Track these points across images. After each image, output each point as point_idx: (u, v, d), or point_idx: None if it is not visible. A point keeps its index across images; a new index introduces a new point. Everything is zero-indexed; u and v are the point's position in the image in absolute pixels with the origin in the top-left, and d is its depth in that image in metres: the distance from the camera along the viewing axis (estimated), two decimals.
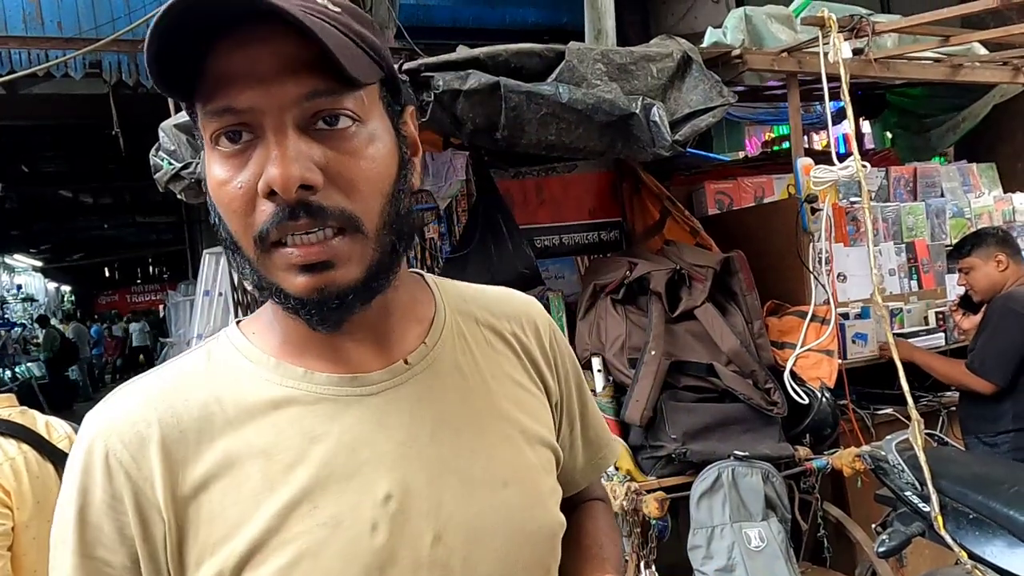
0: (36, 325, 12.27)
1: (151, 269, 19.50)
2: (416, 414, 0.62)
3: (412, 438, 0.61)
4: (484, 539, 0.61)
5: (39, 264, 16.38)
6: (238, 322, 0.67)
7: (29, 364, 10.40)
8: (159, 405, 0.60)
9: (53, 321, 13.16)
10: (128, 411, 0.60)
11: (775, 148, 5.67)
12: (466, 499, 0.62)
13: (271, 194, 0.54)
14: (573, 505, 0.81)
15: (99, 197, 13.25)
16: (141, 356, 14.22)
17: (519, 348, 0.72)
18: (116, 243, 15.68)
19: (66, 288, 20.08)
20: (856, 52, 2.31)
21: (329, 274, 0.56)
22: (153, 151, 2.11)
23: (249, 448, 0.59)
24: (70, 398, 10.01)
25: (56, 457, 1.49)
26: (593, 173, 2.85)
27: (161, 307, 15.18)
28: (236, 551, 0.56)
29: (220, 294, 5.22)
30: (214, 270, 5.32)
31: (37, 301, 15.33)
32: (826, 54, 2.15)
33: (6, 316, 10.77)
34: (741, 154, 5.81)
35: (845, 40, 2.11)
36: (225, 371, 0.62)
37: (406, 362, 0.64)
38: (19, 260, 15.21)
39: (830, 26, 2.12)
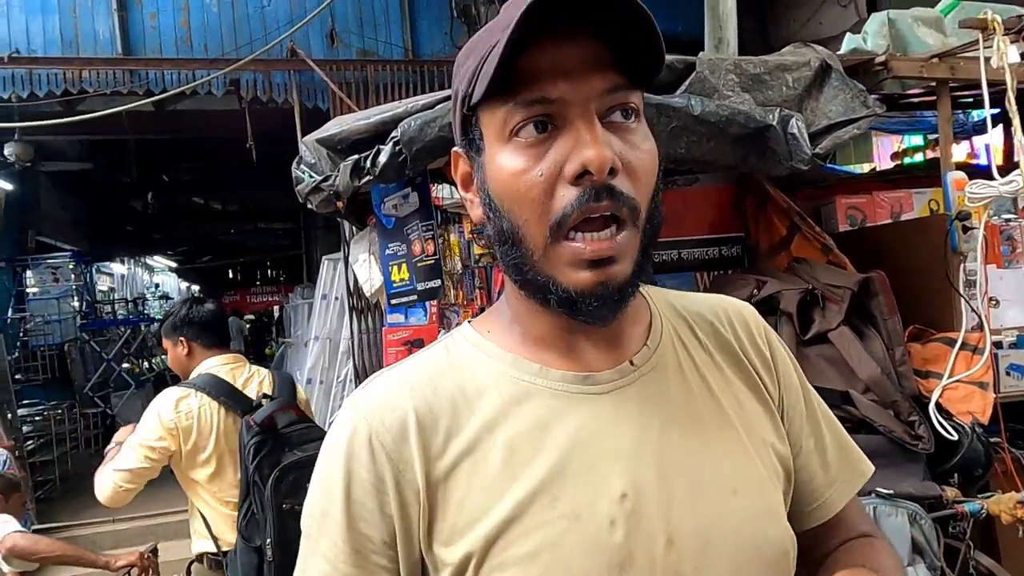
0: None
1: (269, 272, 20.81)
2: (644, 415, 0.63)
3: (641, 438, 0.62)
4: (714, 548, 0.60)
5: (174, 265, 17.90)
6: (469, 321, 0.71)
7: (164, 356, 11.34)
8: (414, 394, 0.64)
9: None
10: (388, 398, 0.64)
11: (903, 161, 5.28)
12: (696, 504, 0.61)
13: (580, 176, 0.57)
14: (839, 539, 0.73)
15: (227, 204, 14.34)
16: (267, 349, 15.19)
17: (735, 351, 0.71)
18: (239, 247, 16.87)
19: (195, 287, 21.79)
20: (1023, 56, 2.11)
21: (610, 269, 0.59)
22: (295, 164, 2.25)
23: (491, 438, 0.62)
24: None
25: (238, 402, 2.20)
26: (715, 187, 2.76)
27: (276, 307, 16.11)
28: (482, 535, 0.59)
29: (336, 298, 5.49)
30: (331, 275, 5.60)
31: (172, 299, 16.74)
32: (987, 59, 1.98)
33: (146, 312, 11.83)
34: (867, 167, 5.46)
35: (1012, 43, 1.92)
36: (464, 365, 0.66)
37: (632, 363, 0.65)
38: (158, 261, 16.68)
39: (993, 28, 1.94)
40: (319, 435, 2.15)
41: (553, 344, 0.65)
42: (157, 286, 16.90)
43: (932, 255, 2.30)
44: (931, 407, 2.05)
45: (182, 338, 2.34)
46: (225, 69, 4.89)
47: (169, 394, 2.23)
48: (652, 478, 0.60)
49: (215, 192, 13.22)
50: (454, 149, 0.68)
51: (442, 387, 0.64)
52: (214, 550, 2.21)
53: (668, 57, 2.04)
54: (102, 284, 11.86)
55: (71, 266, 8.60)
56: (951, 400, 2.11)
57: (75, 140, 7.71)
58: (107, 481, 2.10)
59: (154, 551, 2.61)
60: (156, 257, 16.33)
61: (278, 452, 2.04)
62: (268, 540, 1.96)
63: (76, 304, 8.66)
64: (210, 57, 5.13)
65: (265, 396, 2.22)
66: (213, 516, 2.22)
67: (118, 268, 13.27)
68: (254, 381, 2.31)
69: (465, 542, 0.59)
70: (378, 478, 0.61)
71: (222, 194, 13.50)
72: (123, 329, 9.72)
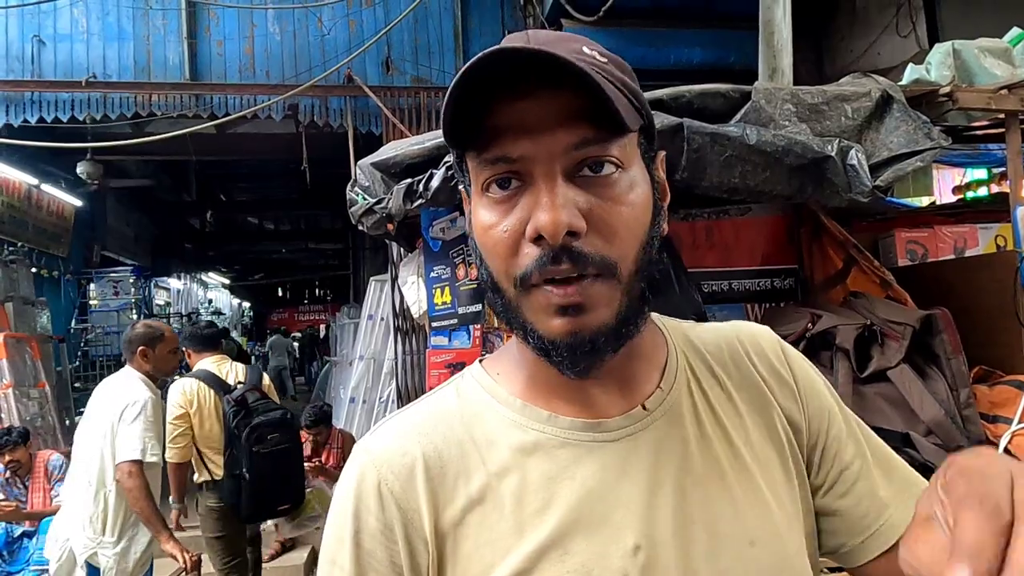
0: None
1: (316, 291, 21.27)
2: (658, 462, 0.60)
3: (656, 487, 0.59)
4: None
5: (227, 282, 18.47)
6: (480, 360, 0.69)
7: None
8: (423, 440, 0.62)
9: (233, 334, 14.68)
10: (397, 443, 0.63)
11: (966, 195, 5.09)
12: (713, 556, 0.58)
13: (538, 239, 0.55)
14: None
15: (279, 224, 14.77)
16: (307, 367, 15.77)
17: (752, 384, 0.67)
18: (290, 266, 17.33)
19: (246, 304, 22.41)
20: None
21: (582, 318, 0.56)
22: (349, 187, 2.30)
23: (500, 489, 0.60)
24: None
25: (221, 386, 3.30)
26: (767, 217, 2.70)
27: (322, 326, 16.41)
28: None
29: (382, 319, 5.55)
30: (378, 296, 5.67)
31: (224, 315, 17.24)
32: None
33: None
34: (926, 200, 5.28)
35: None
36: (474, 410, 0.64)
37: (644, 407, 0.62)
38: (212, 278, 17.24)
39: None
40: (276, 407, 3.29)
41: (561, 389, 0.62)
42: (211, 301, 17.42)
43: (1000, 293, 2.20)
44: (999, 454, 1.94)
45: (183, 348, 3.47)
46: (285, 94, 5.06)
47: (176, 385, 3.36)
48: (667, 530, 0.58)
49: (269, 212, 13.65)
50: (461, 187, 0.67)
51: (452, 433, 0.62)
52: (210, 478, 3.32)
53: (723, 86, 2.04)
54: (159, 298, 12.28)
55: (131, 280, 8.96)
56: (1021, 448, 1.99)
57: (141, 160, 8.09)
58: (168, 453, 3.12)
59: (199, 559, 2.69)
60: (211, 274, 16.89)
61: (249, 417, 3.14)
62: (244, 470, 3.07)
63: (135, 316, 9.00)
64: (271, 83, 5.33)
65: (239, 383, 3.35)
66: (208, 457, 3.32)
67: (175, 283, 13.75)
68: (232, 373, 3.43)
69: None
70: (387, 526, 0.59)
71: (275, 214, 13.94)
72: None
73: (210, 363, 3.43)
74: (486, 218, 0.58)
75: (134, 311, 8.96)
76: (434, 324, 2.50)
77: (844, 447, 0.67)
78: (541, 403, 0.63)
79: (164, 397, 3.26)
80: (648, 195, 0.59)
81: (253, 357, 14.99)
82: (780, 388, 0.67)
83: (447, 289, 2.36)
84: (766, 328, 0.72)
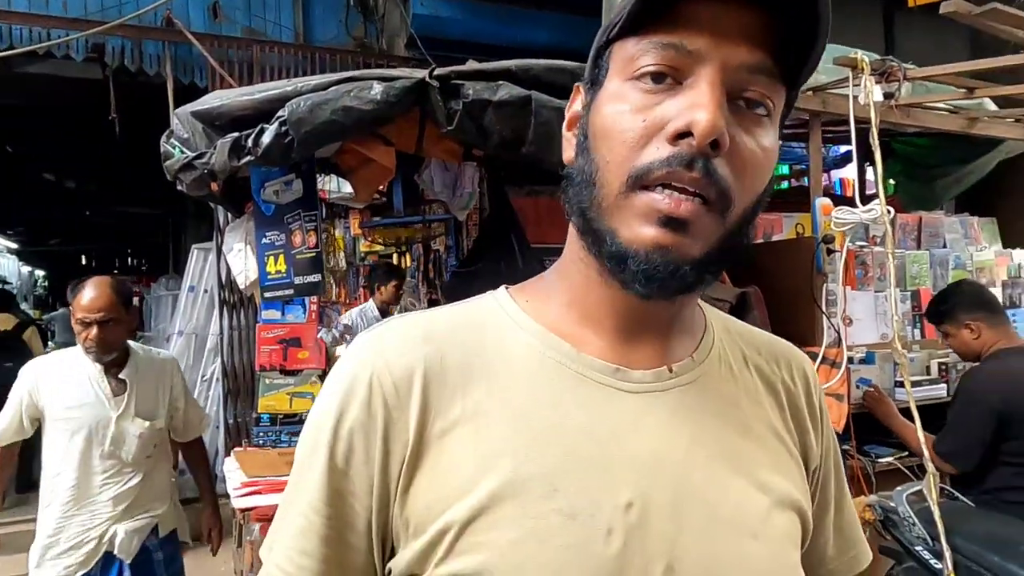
0: None
1: (129, 260, 19.12)
2: (673, 426, 0.58)
3: (665, 450, 0.56)
4: None
5: (14, 247, 15.99)
6: (507, 287, 0.66)
7: None
8: (429, 342, 0.59)
9: (24, 306, 12.78)
10: (400, 341, 0.60)
11: (775, 187, 5.71)
12: (708, 536, 0.55)
13: (680, 137, 0.51)
14: None
15: (83, 183, 12.99)
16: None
17: (785, 399, 0.65)
18: (96, 231, 15.37)
19: (40, 272, 19.61)
20: (886, 97, 2.32)
21: (680, 238, 0.52)
22: (164, 138, 2.02)
23: (502, 406, 0.57)
24: None
25: None
26: None
27: (137, 299, 14.82)
28: (469, 505, 0.53)
29: (205, 291, 5.10)
30: (201, 266, 5.20)
31: (9, 284, 14.93)
32: (856, 96, 2.15)
33: None
34: None
35: (876, 84, 2.10)
36: (491, 327, 0.61)
37: (670, 370, 0.60)
38: None
39: (862, 68, 2.11)
40: None
41: (596, 324, 0.59)
42: None
43: (800, 274, 2.47)
44: None
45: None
46: (88, 31, 4.40)
47: None
48: (666, 496, 0.54)
49: (70, 169, 11.95)
50: (577, 83, 0.64)
51: (462, 341, 0.59)
52: None
53: (569, 64, 2.05)
54: None
55: None
56: None
57: None
58: None
59: None
60: None
61: None
62: None
63: None
64: (70, 16, 4.60)
65: None
66: None
67: None
68: None
69: (449, 511, 0.53)
70: (370, 417, 0.56)
71: (78, 172, 12.22)
72: None
73: None
74: (623, 103, 0.54)
75: None
76: (266, 295, 2.31)
77: (827, 501, 0.69)
78: (567, 337, 0.60)
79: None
80: (775, 155, 0.56)
81: (51, 332, 13.19)
82: (810, 417, 0.67)
83: (281, 257, 2.18)
84: (808, 358, 0.72)
